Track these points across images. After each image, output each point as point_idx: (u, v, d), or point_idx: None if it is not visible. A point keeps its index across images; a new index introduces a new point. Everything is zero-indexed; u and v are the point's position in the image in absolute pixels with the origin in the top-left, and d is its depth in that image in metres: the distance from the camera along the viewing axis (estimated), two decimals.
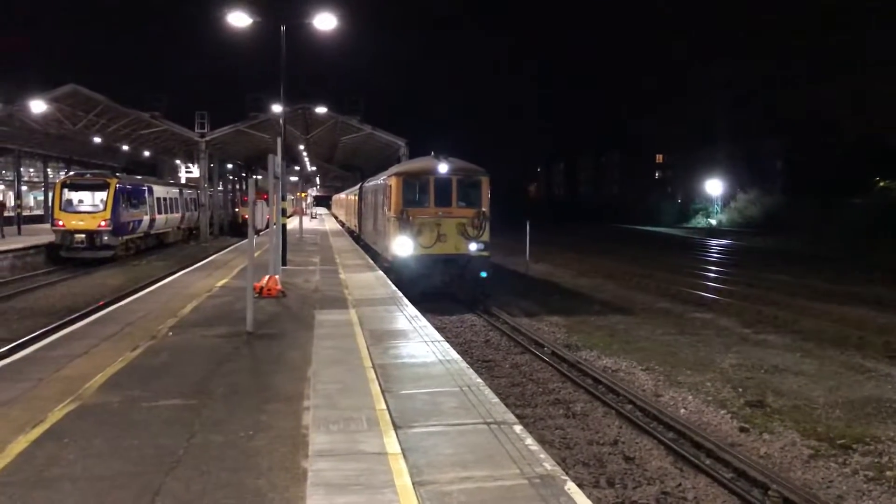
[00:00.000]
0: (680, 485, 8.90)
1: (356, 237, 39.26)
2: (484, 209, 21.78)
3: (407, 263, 21.22)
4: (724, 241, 59.66)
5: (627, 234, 69.80)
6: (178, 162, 68.28)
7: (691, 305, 23.31)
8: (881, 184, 71.84)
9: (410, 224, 21.29)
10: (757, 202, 79.76)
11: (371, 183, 31.62)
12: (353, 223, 44.07)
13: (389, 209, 22.55)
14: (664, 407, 11.99)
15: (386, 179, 23.93)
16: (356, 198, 40.70)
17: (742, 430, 10.94)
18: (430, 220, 21.42)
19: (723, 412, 11.75)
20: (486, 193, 22.09)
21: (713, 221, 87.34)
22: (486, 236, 21.69)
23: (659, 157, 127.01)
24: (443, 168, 21.70)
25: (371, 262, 25.70)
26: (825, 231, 56.71)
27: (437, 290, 21.44)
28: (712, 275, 32.46)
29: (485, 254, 21.69)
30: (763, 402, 12.33)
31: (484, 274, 21.54)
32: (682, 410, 11.96)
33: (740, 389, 13.09)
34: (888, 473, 9.25)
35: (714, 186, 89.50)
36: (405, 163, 27.13)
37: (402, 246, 21.28)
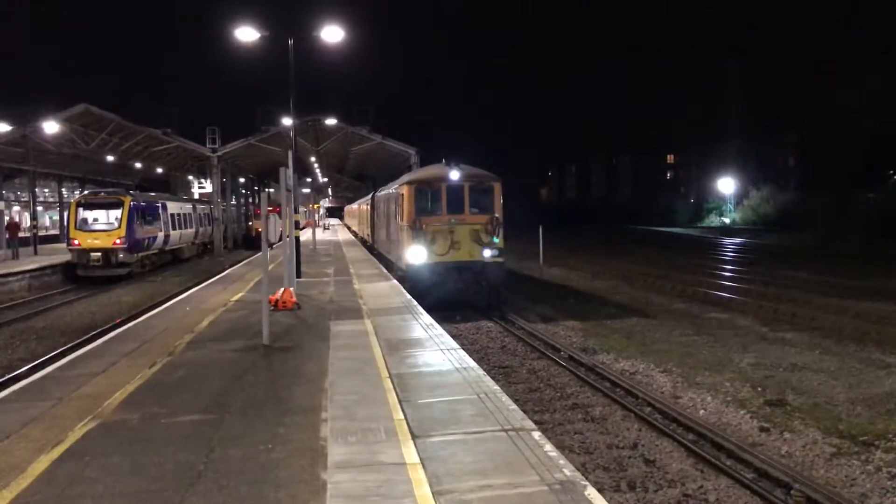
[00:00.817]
0: (701, 486, 8.84)
1: (369, 247, 39.29)
2: (497, 215, 21.69)
3: (421, 272, 21.11)
4: (738, 240, 59.35)
5: (641, 236, 69.57)
6: (190, 177, 68.65)
7: (707, 305, 23.19)
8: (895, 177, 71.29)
9: (423, 232, 21.21)
10: (771, 199, 79.25)
11: (383, 192, 31.62)
12: (365, 233, 44.12)
13: (402, 218, 22.51)
14: (683, 408, 11.93)
15: (398, 188, 23.91)
16: (368, 207, 40.72)
17: (762, 429, 10.85)
18: (443, 227, 21.32)
19: (742, 412, 11.67)
20: (498, 199, 22.01)
21: (727, 220, 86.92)
22: (500, 242, 21.59)
23: (670, 158, 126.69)
24: (454, 175, 21.61)
25: (385, 271, 25.75)
26: (840, 227, 56.27)
27: (453, 298, 21.24)
28: (728, 274, 32.28)
29: (499, 260, 21.55)
30: (783, 400, 12.24)
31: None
32: (702, 411, 11.89)
33: (759, 389, 13.00)
34: None
35: (726, 185, 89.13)
36: (416, 171, 27.18)
37: (416, 254, 21.19)
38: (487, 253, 21.36)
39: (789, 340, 17.33)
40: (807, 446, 10.08)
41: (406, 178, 24.34)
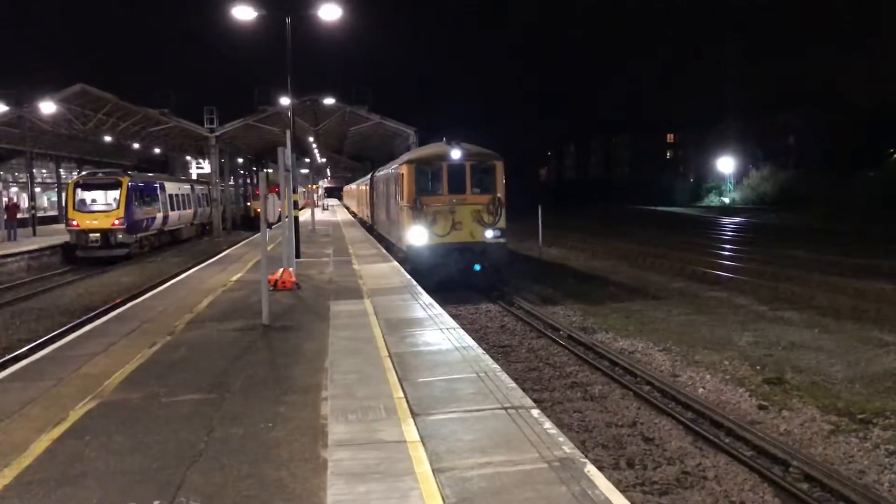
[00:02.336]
0: (700, 464, 8.89)
1: (369, 227, 38.91)
2: (499, 195, 21.35)
3: (422, 253, 20.89)
4: (737, 219, 59.35)
5: (640, 215, 69.54)
6: (188, 158, 68.59)
7: (706, 284, 23.23)
8: (895, 155, 71.21)
9: (424, 212, 20.92)
10: (770, 178, 79.29)
11: (382, 172, 31.24)
12: (365, 214, 43.76)
13: (402, 198, 22.19)
14: (682, 387, 11.97)
15: (398, 168, 23.56)
16: (367, 188, 40.29)
17: (761, 407, 10.90)
18: (444, 207, 21.02)
19: (741, 390, 11.71)
20: (500, 178, 21.63)
21: (726, 199, 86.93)
22: (502, 223, 21.28)
23: (670, 137, 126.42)
24: (455, 154, 21.27)
25: (384, 251, 25.72)
26: (840, 205, 56.28)
27: (454, 280, 21.01)
28: (727, 253, 32.29)
29: (501, 240, 21.29)
30: (781, 378, 12.27)
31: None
32: (701, 390, 11.93)
33: (758, 367, 13.05)
34: None
35: (726, 164, 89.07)
36: (417, 150, 26.63)
37: (417, 235, 20.94)
38: (489, 234, 21.09)
39: (788, 319, 17.37)
40: (805, 424, 10.12)
41: (406, 157, 24.03)
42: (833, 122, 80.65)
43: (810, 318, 17.37)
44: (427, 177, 21.65)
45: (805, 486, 8.13)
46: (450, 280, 20.83)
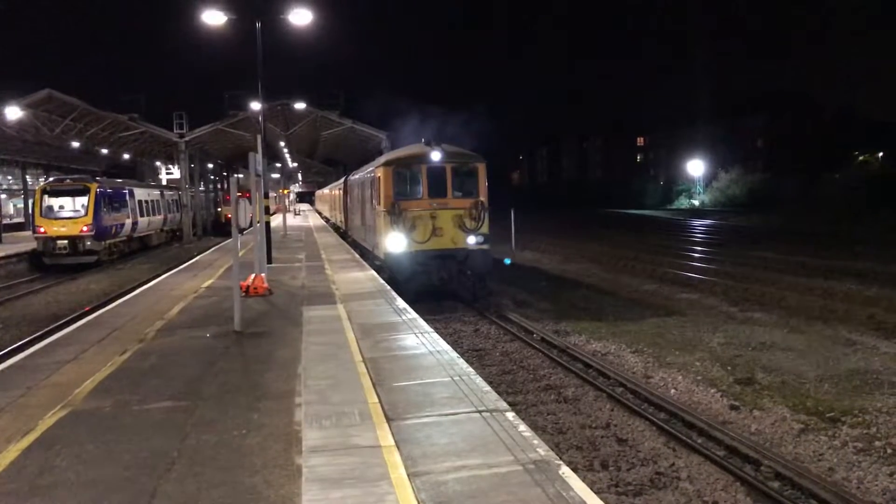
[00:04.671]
0: (673, 464, 8.96)
1: (342, 233, 38.21)
2: (482, 199, 20.27)
3: (400, 261, 19.71)
4: (707, 221, 59.95)
5: (612, 218, 69.95)
6: (158, 163, 67.73)
7: (678, 286, 23.44)
8: (860, 158, 72.46)
9: (403, 218, 19.73)
10: (739, 181, 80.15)
11: (357, 175, 30.04)
12: (338, 219, 43.07)
13: (379, 202, 21.00)
14: (654, 388, 12.07)
15: (374, 170, 22.42)
16: (341, 192, 39.36)
17: (732, 407, 11.02)
18: (424, 212, 19.87)
19: (713, 391, 11.83)
20: (483, 181, 20.52)
21: (696, 202, 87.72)
22: (485, 228, 20.13)
23: (640, 140, 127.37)
24: (436, 155, 20.15)
25: (358, 256, 25.60)
26: (808, 207, 57.09)
27: (435, 289, 20.06)
28: (697, 255, 32.61)
29: (485, 247, 20.15)
30: (752, 379, 12.43)
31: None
32: (673, 391, 12.04)
33: (729, 368, 13.19)
34: (877, 444, 9.35)
35: (696, 167, 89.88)
36: (394, 151, 24.56)
37: (395, 242, 19.76)
38: (472, 240, 19.96)
39: (758, 320, 17.58)
40: (776, 423, 10.25)
41: (383, 158, 22.78)
42: (800, 126, 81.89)
43: (780, 318, 17.60)
44: (406, 180, 20.50)
45: (776, 484, 8.23)
46: (431, 290, 19.91)
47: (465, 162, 20.64)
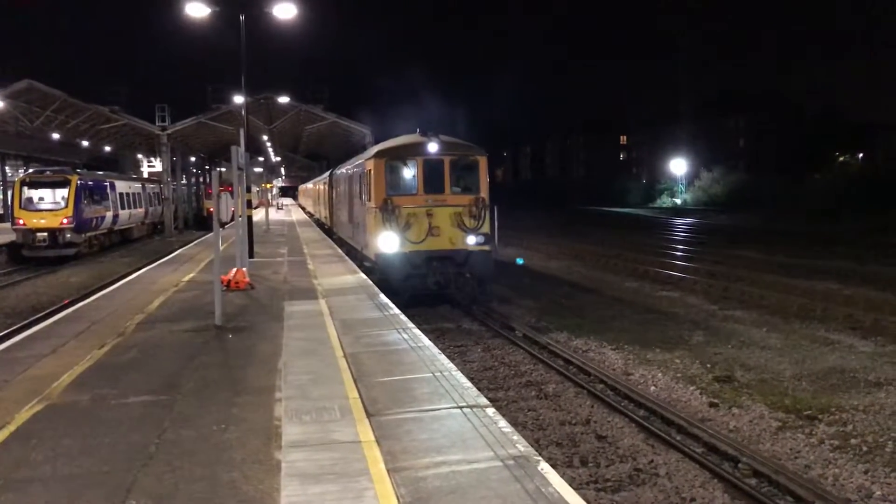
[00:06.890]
0: (652, 461, 9.01)
1: (327, 230, 36.70)
2: (483, 195, 18.71)
3: (393, 262, 18.13)
4: (689, 220, 60.30)
5: (594, 217, 70.21)
6: (140, 156, 67.31)
7: (659, 284, 23.56)
8: (840, 159, 73.16)
9: (396, 216, 18.13)
10: (721, 180, 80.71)
11: (344, 169, 28.12)
12: (323, 215, 41.85)
13: (370, 199, 19.48)
14: (635, 385, 12.13)
15: (364, 163, 20.73)
16: (326, 186, 37.72)
17: (711, 405, 11.09)
18: (419, 209, 18.27)
19: (692, 388, 11.91)
20: (484, 176, 19.01)
21: (678, 201, 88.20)
22: (485, 227, 18.52)
23: (623, 139, 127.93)
24: (433, 147, 18.51)
25: (340, 251, 25.51)
26: (788, 207, 57.56)
27: (432, 294, 18.65)
28: (679, 253, 32.78)
29: (485, 248, 18.58)
30: (731, 376, 12.52)
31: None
32: (653, 388, 12.10)
33: (709, 365, 13.28)
34: (852, 441, 9.45)
35: (678, 166, 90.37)
36: (387, 141, 21.94)
37: (387, 242, 18.18)
38: (472, 240, 18.40)
39: (738, 318, 17.71)
40: (754, 421, 10.34)
41: (374, 149, 20.86)
42: (782, 126, 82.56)
43: (759, 317, 17.74)
44: (399, 173, 18.94)
45: (754, 481, 8.29)
46: (426, 295, 18.58)
47: (465, 154, 19.11)
